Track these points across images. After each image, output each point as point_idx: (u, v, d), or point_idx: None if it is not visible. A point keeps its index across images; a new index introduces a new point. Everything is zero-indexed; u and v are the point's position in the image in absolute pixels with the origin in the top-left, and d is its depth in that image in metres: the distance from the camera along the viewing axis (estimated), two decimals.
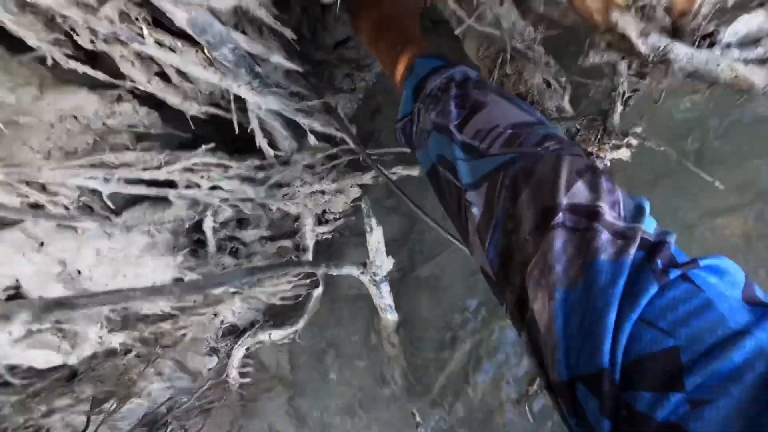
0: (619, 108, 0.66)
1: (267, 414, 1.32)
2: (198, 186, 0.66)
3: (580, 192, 0.32)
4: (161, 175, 0.62)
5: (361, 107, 1.17)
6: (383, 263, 0.94)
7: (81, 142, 0.61)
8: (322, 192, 0.85)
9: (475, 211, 0.37)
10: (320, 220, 1.10)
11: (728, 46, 0.39)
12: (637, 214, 0.32)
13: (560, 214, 0.31)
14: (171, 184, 0.66)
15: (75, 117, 0.60)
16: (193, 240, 0.75)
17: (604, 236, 0.30)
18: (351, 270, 0.95)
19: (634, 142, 0.81)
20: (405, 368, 1.12)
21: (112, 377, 1.25)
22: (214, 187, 0.68)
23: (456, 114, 0.43)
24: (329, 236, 1.15)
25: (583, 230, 0.31)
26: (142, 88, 0.56)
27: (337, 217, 1.09)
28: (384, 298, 1.00)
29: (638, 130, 0.71)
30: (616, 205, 0.32)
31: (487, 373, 1.05)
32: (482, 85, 0.46)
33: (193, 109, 0.66)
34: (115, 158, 0.57)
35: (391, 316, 1.05)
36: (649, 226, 0.31)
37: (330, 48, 1.00)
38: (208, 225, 0.73)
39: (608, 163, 0.78)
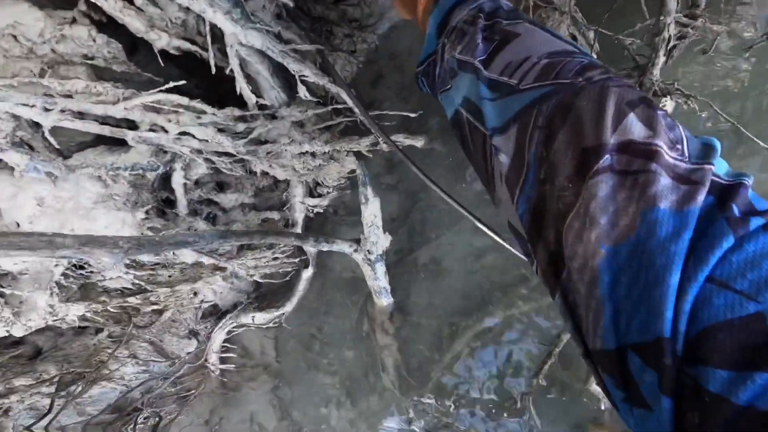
0: (662, 59, 0.56)
1: (249, 404, 1.22)
2: (164, 130, 0.56)
3: (631, 127, 0.27)
4: (117, 111, 0.52)
5: (361, 72, 1.07)
6: (379, 240, 0.85)
7: (23, 70, 0.51)
8: (313, 154, 0.76)
9: (503, 158, 0.32)
10: (312, 193, 1.00)
11: None
12: (706, 152, 0.27)
13: (606, 156, 0.26)
14: (133, 126, 0.56)
15: (14, 37, 0.50)
16: (160, 199, 0.66)
17: (664, 180, 0.25)
18: (343, 246, 0.86)
19: (669, 106, 0.72)
20: (398, 359, 1.03)
21: (81, 358, 1.16)
22: (184, 134, 0.58)
23: (483, 48, 0.37)
24: (322, 212, 1.05)
25: (636, 173, 0.26)
26: (100, 5, 0.46)
27: (330, 190, 0.99)
28: (379, 279, 0.90)
29: (683, 89, 0.61)
30: (679, 144, 0.27)
31: (487, 367, 0.95)
32: (515, 15, 0.40)
33: (161, 40, 0.56)
34: (59, 84, 0.47)
35: (385, 301, 0.95)
36: (719, 168, 0.26)
37: (330, 2, 0.90)
38: (177, 180, 0.63)
39: None
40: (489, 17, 0.40)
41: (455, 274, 1.04)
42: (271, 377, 1.21)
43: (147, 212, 0.62)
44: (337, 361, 1.15)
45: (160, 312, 1.11)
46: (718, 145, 0.27)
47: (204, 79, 0.72)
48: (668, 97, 0.66)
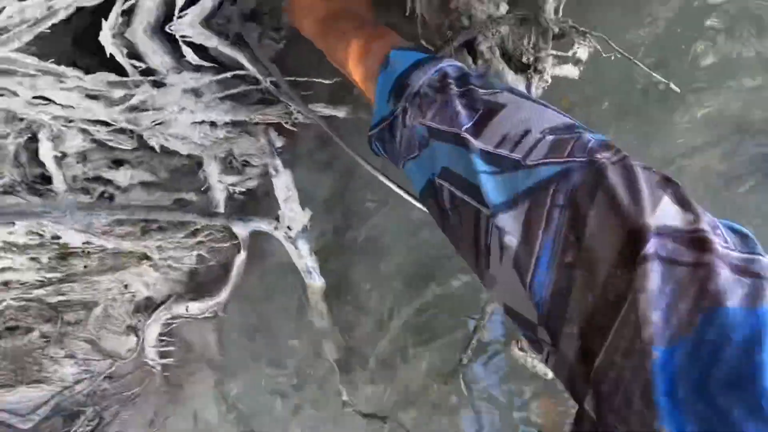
0: None
1: (194, 400, 1.18)
2: (15, 94, 0.51)
3: (669, 211, 0.25)
4: None
5: (286, 52, 1.02)
6: (296, 215, 0.80)
7: None
8: (212, 124, 0.71)
9: (509, 239, 0.30)
10: (238, 171, 0.95)
11: None
12: (744, 240, 0.25)
13: (652, 241, 0.24)
14: None
15: None
16: (33, 174, 0.61)
17: (724, 273, 0.22)
18: (260, 224, 0.81)
19: (582, 54, 0.68)
20: (338, 342, 0.99)
21: (15, 360, 1.11)
22: (42, 99, 0.53)
23: (466, 117, 0.36)
24: (250, 192, 1.00)
25: (691, 265, 0.23)
26: None
27: (257, 168, 0.94)
28: (304, 257, 0.86)
29: (582, 28, 0.57)
30: (717, 229, 0.25)
31: (424, 347, 0.92)
32: (488, 83, 0.39)
33: None
34: None
35: (316, 281, 0.91)
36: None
37: None
38: (46, 152, 0.58)
39: (549, 80, 0.65)
40: (460, 83, 0.39)
41: (394, 251, 1.00)
42: (214, 371, 1.17)
43: (12, 187, 0.57)
44: (281, 351, 1.11)
45: (89, 307, 1.06)
46: (750, 232, 0.26)
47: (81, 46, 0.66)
48: (575, 43, 0.63)
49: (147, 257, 0.98)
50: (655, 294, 0.23)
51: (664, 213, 0.25)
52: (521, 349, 0.74)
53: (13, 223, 0.53)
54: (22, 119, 0.55)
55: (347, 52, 0.51)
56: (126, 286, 1.06)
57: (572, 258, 0.27)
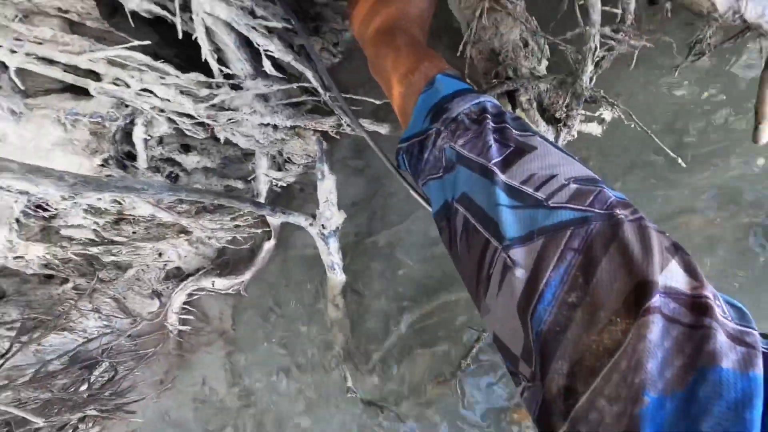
0: (590, 67, 0.61)
1: (203, 367, 1.27)
2: (127, 85, 0.60)
3: (676, 275, 0.27)
4: (82, 61, 0.56)
5: (340, 66, 1.11)
6: (333, 216, 0.89)
7: None
8: (275, 127, 0.80)
9: (519, 273, 0.30)
10: (280, 167, 1.04)
11: None
12: (741, 315, 0.27)
13: (657, 296, 0.25)
14: (98, 78, 0.60)
15: None
16: (122, 151, 0.70)
17: (720, 337, 0.24)
18: (299, 219, 0.90)
19: (607, 116, 0.77)
20: (347, 334, 1.08)
21: (45, 306, 1.20)
22: (146, 91, 0.62)
23: (497, 151, 0.37)
24: (288, 187, 1.10)
25: (691, 327, 0.25)
26: None
27: (298, 167, 1.04)
28: (331, 254, 0.95)
29: (608, 96, 0.66)
30: (718, 300, 0.26)
31: (426, 349, 1.01)
32: (522, 125, 0.40)
33: (131, 2, 0.60)
34: (27, 30, 0.52)
35: (338, 276, 1.00)
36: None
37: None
38: (138, 134, 0.67)
39: (575, 135, 0.74)
40: (496, 120, 0.40)
41: (409, 261, 1.09)
42: (226, 343, 1.26)
43: (106, 161, 0.66)
44: (292, 334, 1.20)
45: (124, 269, 1.16)
46: (746, 308, 0.27)
47: (184, 50, 0.76)
48: (597, 102, 0.72)
49: (185, 231, 1.08)
50: (653, 345, 0.24)
51: (671, 275, 0.26)
52: None
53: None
54: (128, 106, 0.64)
55: (396, 64, 0.52)
56: (160, 255, 1.15)
57: (576, 298, 0.28)
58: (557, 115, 0.71)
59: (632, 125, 0.69)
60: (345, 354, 1.06)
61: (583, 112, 0.71)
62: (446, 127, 0.41)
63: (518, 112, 0.72)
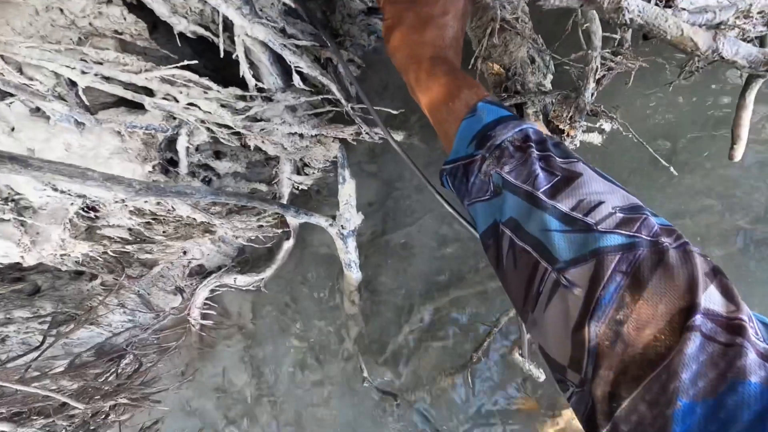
0: (592, 85, 0.68)
1: (223, 360, 1.34)
2: (176, 100, 0.67)
3: (714, 298, 0.29)
4: (139, 80, 0.63)
5: (365, 78, 1.17)
6: (352, 217, 0.96)
7: (64, 37, 0.62)
8: (301, 135, 0.87)
9: (578, 291, 0.33)
10: (299, 170, 1.11)
11: (682, 9, 0.41)
12: None
13: (698, 315, 0.28)
14: (150, 93, 0.67)
15: (61, 10, 0.61)
16: (166, 158, 0.77)
17: (751, 356, 0.26)
18: (320, 220, 0.97)
19: (606, 127, 0.84)
20: (362, 328, 1.15)
21: (75, 300, 1.27)
22: (191, 105, 0.69)
23: (544, 179, 0.39)
24: (307, 190, 1.16)
25: (725, 345, 0.27)
26: None
27: (316, 171, 1.10)
28: (349, 253, 1.02)
29: (607, 110, 0.73)
30: (752, 321, 0.29)
31: (437, 343, 1.07)
32: (565, 152, 0.42)
33: (181, 24, 0.67)
34: (95, 53, 0.58)
35: (354, 274, 1.07)
36: None
37: (355, 14, 0.99)
38: (181, 143, 0.74)
39: (578, 144, 0.81)
40: (540, 147, 0.42)
41: (420, 259, 1.16)
42: (245, 337, 1.33)
43: (153, 167, 0.73)
44: (307, 329, 1.27)
45: (150, 266, 1.22)
46: None
47: (211, 60, 0.83)
48: (598, 116, 0.79)
49: (209, 231, 1.15)
50: (689, 358, 0.26)
51: (710, 298, 0.29)
52: (521, 355, 0.90)
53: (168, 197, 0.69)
54: (175, 118, 0.71)
55: (437, 93, 0.54)
56: (185, 253, 1.22)
57: (623, 316, 0.30)
58: (561, 126, 0.78)
59: (630, 135, 0.76)
60: (360, 347, 1.13)
61: (584, 123, 0.78)
62: (491, 153, 0.43)
63: None
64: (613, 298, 0.31)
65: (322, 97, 0.90)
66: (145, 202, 0.77)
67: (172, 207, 0.81)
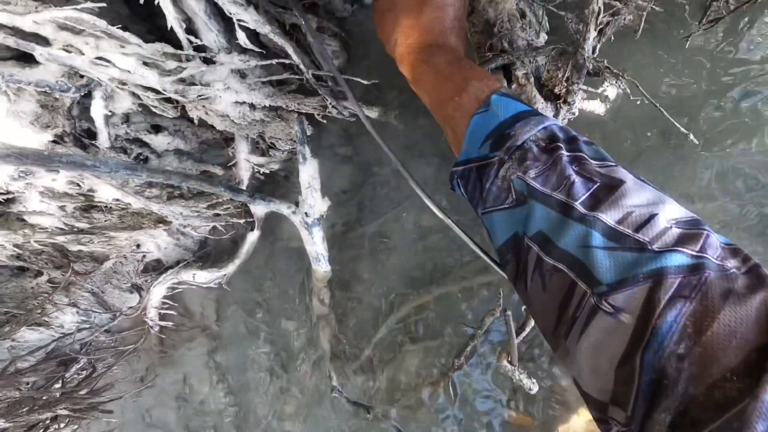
0: (593, 34, 0.55)
1: (185, 364, 1.21)
2: (80, 52, 0.54)
3: None
4: (25, 23, 0.50)
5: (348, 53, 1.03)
6: (316, 203, 0.84)
7: None
8: (252, 106, 0.74)
9: (627, 319, 0.29)
10: (263, 152, 0.99)
11: None
12: None
13: None
14: (48, 44, 0.55)
15: None
16: (80, 128, 0.64)
17: None
18: (281, 207, 0.85)
19: (611, 93, 0.71)
20: (334, 329, 1.02)
21: (16, 299, 1.14)
22: (102, 60, 0.57)
23: (582, 186, 0.34)
24: (272, 174, 1.04)
25: None
26: None
27: (283, 153, 0.98)
28: (316, 244, 0.89)
29: (616, 70, 0.60)
30: None
31: (418, 346, 0.95)
32: (595, 149, 0.38)
33: None
34: None
35: (323, 268, 0.94)
36: None
37: None
38: (97, 109, 0.61)
39: (576, 112, 0.68)
40: (570, 147, 0.37)
41: (399, 252, 1.04)
42: (209, 340, 1.20)
43: (61, 137, 0.61)
44: (276, 331, 1.14)
45: (100, 261, 1.10)
46: None
47: (161, 27, 0.70)
48: (606, 81, 0.66)
49: (163, 221, 1.02)
50: (767, 407, 0.23)
51: None
52: (510, 362, 0.78)
53: (58, 171, 0.57)
54: (82, 76, 0.58)
55: (440, 85, 0.49)
56: (138, 246, 1.09)
57: (684, 349, 0.26)
58: (556, 90, 0.65)
59: (638, 102, 0.63)
60: (331, 351, 1.01)
61: (584, 87, 0.65)
62: (511, 156, 0.38)
63: (514, 87, 0.66)
64: (673, 327, 0.27)
65: (278, 61, 0.77)
66: (53, 180, 0.64)
67: (91, 188, 0.68)
